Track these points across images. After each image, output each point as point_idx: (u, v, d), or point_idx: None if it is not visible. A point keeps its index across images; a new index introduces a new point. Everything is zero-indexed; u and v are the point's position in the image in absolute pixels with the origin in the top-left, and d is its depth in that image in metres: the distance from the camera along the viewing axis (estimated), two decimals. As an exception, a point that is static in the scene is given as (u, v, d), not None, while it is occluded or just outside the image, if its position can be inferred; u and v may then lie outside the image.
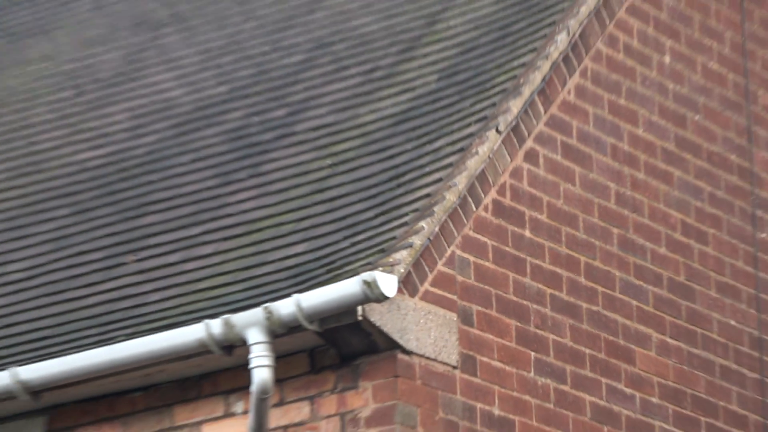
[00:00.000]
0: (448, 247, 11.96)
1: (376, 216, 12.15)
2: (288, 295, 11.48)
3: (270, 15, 14.91)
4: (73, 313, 12.62)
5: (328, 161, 12.93)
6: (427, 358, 11.70)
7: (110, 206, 13.61)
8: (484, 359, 12.08)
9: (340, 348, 11.61)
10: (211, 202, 13.10)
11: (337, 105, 13.45)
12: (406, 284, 11.61)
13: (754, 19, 14.38)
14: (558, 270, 12.65)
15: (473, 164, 12.12)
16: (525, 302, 12.38)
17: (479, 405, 11.98)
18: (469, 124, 12.48)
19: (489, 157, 12.22)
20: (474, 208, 12.16)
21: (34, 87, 15.41)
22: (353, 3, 14.56)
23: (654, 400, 12.95)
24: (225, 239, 12.67)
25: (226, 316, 11.57)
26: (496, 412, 12.07)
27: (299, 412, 11.73)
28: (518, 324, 12.33)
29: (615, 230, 13.02)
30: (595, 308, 12.78)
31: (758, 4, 14.42)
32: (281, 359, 11.56)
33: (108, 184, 13.85)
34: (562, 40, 12.75)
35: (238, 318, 11.51)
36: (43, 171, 14.33)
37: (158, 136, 14.06)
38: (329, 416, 11.64)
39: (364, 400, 11.58)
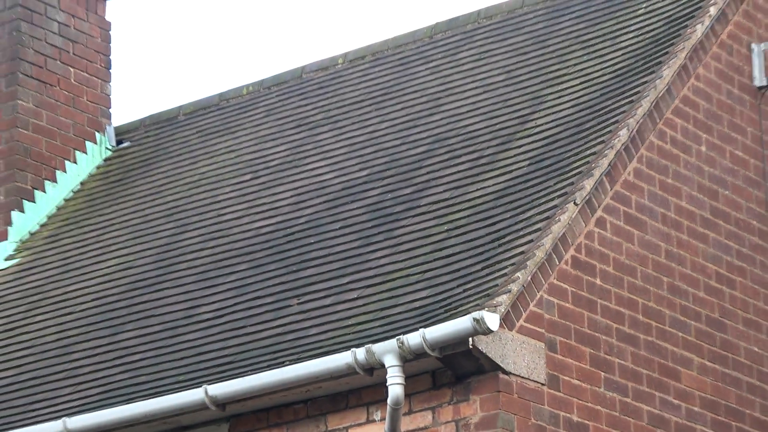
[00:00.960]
0: (538, 292, 11.84)
1: (483, 269, 12.01)
2: (416, 329, 11.40)
3: (399, 117, 14.89)
4: (251, 344, 12.59)
5: (445, 227, 12.79)
6: (522, 377, 11.56)
7: (278, 262, 13.58)
8: (566, 378, 11.94)
9: (455, 369, 11.46)
10: (355, 259, 13.04)
11: (451, 184, 13.37)
12: (506, 321, 11.47)
13: (768, 117, 14.32)
14: (621, 309, 12.51)
15: (556, 229, 12.02)
16: (597, 334, 12.25)
17: (562, 413, 11.83)
18: (552, 199, 12.37)
19: (568, 223, 12.12)
20: (557, 262, 12.03)
21: (221, 173, 15.42)
22: (463, 107, 14.47)
23: (696, 408, 12.76)
24: (366, 287, 12.57)
25: (368, 345, 11.48)
26: (575, 418, 11.93)
27: (423, 419, 11.58)
28: (591, 351, 12.18)
29: (665, 278, 12.90)
30: (650, 338, 12.61)
31: (772, 107, 14.33)
32: (410, 378, 11.46)
33: (277, 245, 13.83)
34: (623, 134, 12.65)
35: (378, 347, 11.42)
36: (227, 236, 14.37)
37: (314, 209, 14.06)
38: (447, 422, 11.50)
39: (473, 409, 11.43)
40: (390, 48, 16.18)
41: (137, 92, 37.12)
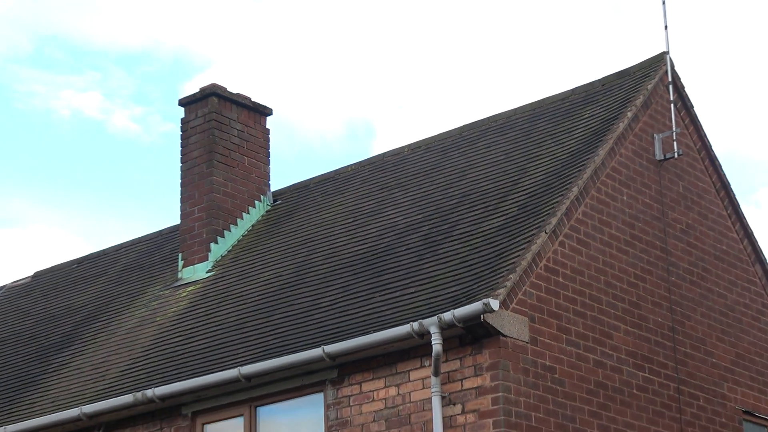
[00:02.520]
0: (523, 286, 11.84)
1: (490, 273, 12.00)
2: (448, 310, 11.43)
3: (438, 184, 14.79)
4: (352, 319, 12.49)
5: (467, 248, 12.80)
6: (514, 338, 11.57)
7: (368, 271, 13.43)
8: (541, 338, 11.91)
9: (473, 334, 11.48)
10: (413, 269, 12.93)
11: (471, 222, 13.35)
12: (504, 304, 11.51)
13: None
14: (575, 296, 12.45)
15: (534, 248, 12.03)
16: (559, 311, 12.19)
17: (539, 360, 11.81)
18: (532, 230, 12.34)
19: (541, 245, 12.13)
20: (535, 268, 12.02)
21: (334, 218, 15.38)
22: (479, 176, 14.44)
23: (623, 356, 12.73)
24: (419, 285, 12.54)
25: (420, 320, 11.51)
26: (548, 363, 11.88)
27: (454, 364, 11.58)
28: (557, 322, 12.13)
29: (602, 277, 12.78)
30: (593, 314, 12.54)
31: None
32: (446, 340, 11.47)
33: (367, 261, 13.72)
34: (575, 190, 12.65)
35: (426, 321, 11.46)
36: (337, 255, 14.22)
37: (389, 239, 13.91)
38: (468, 366, 11.51)
39: (485, 358, 11.45)
40: (435, 141, 16.19)
41: (286, 169, 37.54)
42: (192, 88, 43.21)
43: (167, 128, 42.68)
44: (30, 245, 41.81)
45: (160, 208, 41.47)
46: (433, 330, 11.32)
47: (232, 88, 16.73)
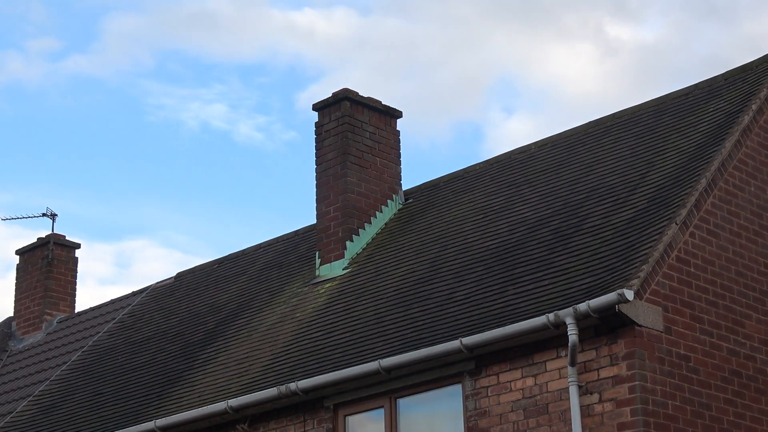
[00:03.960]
0: (656, 277, 11.67)
1: (623, 264, 11.83)
2: (584, 301, 11.32)
3: (566, 180, 14.70)
4: (487, 312, 12.39)
5: (599, 241, 12.66)
6: (648, 327, 11.41)
7: (500, 266, 13.36)
8: (675, 327, 11.72)
9: (608, 324, 11.34)
10: (545, 262, 12.83)
11: (602, 216, 13.21)
12: (638, 294, 11.34)
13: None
14: (707, 286, 12.22)
15: (665, 239, 11.87)
16: (692, 301, 12.00)
17: (674, 349, 11.63)
18: (663, 222, 12.17)
19: (672, 236, 11.96)
20: (667, 259, 11.85)
21: (464, 215, 15.38)
22: (607, 168, 14.28)
23: (756, 344, 12.46)
24: (554, 278, 12.43)
25: (556, 311, 11.41)
26: (682, 352, 11.70)
27: (590, 354, 11.44)
28: (690, 311, 11.94)
29: (732, 267, 12.57)
30: (725, 303, 12.32)
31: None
32: (581, 330, 11.34)
33: (499, 255, 13.66)
34: (703, 182, 12.48)
35: (562, 312, 11.36)
36: (469, 251, 14.21)
37: (520, 234, 13.89)
38: (604, 356, 11.36)
39: (620, 347, 11.30)
40: (561, 139, 16.04)
41: (417, 167, 37.64)
42: (308, 97, 43.48)
43: (290, 136, 42.99)
44: (160, 252, 42.39)
45: (285, 212, 41.79)
46: (569, 321, 11.21)
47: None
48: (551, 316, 11.33)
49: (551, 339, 11.57)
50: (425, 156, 40.74)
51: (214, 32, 42.03)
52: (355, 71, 39.47)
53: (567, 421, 11.32)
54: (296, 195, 42.38)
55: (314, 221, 16.87)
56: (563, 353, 11.49)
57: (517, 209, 14.61)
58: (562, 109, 40.25)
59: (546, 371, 11.60)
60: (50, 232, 21.48)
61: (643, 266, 11.45)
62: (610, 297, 11.06)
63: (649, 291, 11.48)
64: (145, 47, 43.03)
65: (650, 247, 11.76)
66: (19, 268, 21.65)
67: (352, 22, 41.89)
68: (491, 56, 40.60)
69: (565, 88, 40.74)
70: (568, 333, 11.20)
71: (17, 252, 21.75)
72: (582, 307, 11.15)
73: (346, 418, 13.03)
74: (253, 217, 42.99)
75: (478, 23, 40.46)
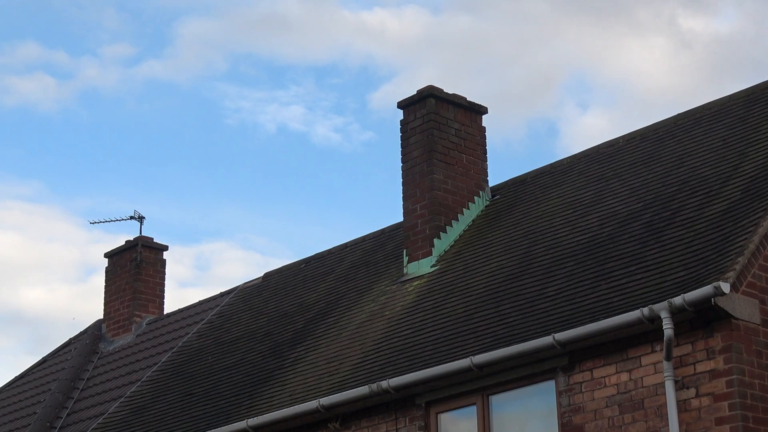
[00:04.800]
0: (752, 269, 11.47)
1: (718, 257, 11.67)
2: (678, 295, 11.18)
3: (657, 171, 14.56)
4: (582, 307, 12.33)
5: (692, 234, 12.51)
6: (745, 320, 11.22)
7: (592, 260, 13.28)
8: (772, 321, 11.55)
9: (704, 318, 11.18)
10: (638, 256, 12.69)
11: (694, 208, 13.03)
12: (734, 287, 11.16)
13: None
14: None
15: (761, 231, 11.68)
16: (790, 294, 11.83)
17: (772, 342, 11.46)
18: (757, 213, 12.00)
19: (768, 227, 11.78)
20: (762, 251, 11.65)
21: (552, 210, 15.32)
22: (699, 164, 14.13)
23: None
24: (646, 271, 12.30)
25: (651, 305, 11.28)
26: (780, 345, 11.52)
27: (686, 348, 11.29)
28: (787, 304, 11.77)
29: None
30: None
31: None
32: (676, 325, 11.19)
33: (590, 250, 13.56)
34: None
35: (656, 306, 11.22)
36: (559, 245, 14.12)
37: (611, 228, 13.79)
38: (700, 350, 11.20)
39: (716, 341, 11.12)
40: (649, 131, 15.90)
41: (492, 164, 37.34)
42: (380, 97, 43.66)
43: (367, 136, 43.07)
44: (239, 254, 42.67)
45: (363, 211, 41.85)
46: (664, 315, 11.08)
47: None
48: (645, 310, 11.20)
49: (646, 333, 11.44)
50: (500, 153, 40.65)
51: (286, 34, 42.30)
52: (427, 70, 39.47)
53: (663, 417, 11.20)
54: (375, 194, 42.46)
55: (397, 220, 16.88)
56: (658, 348, 11.36)
57: (607, 203, 14.49)
58: (637, 103, 39.92)
59: (641, 366, 11.47)
60: (137, 235, 21.73)
61: (739, 258, 11.29)
62: (705, 290, 10.92)
63: (745, 283, 11.30)
64: (217, 50, 43.38)
65: (745, 238, 11.59)
66: (108, 270, 21.91)
67: (424, 20, 41.89)
68: (564, 52, 40.38)
69: (638, 82, 40.40)
70: (663, 327, 11.06)
71: (106, 255, 22.02)
72: (677, 300, 11.01)
73: (439, 415, 13.00)
74: (331, 217, 43.18)
75: (550, 19, 40.26)
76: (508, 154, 40.64)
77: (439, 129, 16.50)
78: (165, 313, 21.37)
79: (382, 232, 18.21)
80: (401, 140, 16.76)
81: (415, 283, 15.62)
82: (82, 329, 22.28)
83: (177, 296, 44.78)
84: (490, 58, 40.53)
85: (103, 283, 21.89)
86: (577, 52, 40.30)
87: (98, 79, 43.51)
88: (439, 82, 16.22)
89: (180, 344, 19.16)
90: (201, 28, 43.28)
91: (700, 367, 11.11)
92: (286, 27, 42.42)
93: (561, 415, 11.94)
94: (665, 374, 11.16)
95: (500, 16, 40.55)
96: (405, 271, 16.10)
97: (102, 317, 21.83)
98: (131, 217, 21.72)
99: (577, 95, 43.08)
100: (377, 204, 42.26)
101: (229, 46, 43.54)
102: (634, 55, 39.13)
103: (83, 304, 41.73)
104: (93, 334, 21.54)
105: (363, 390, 13.27)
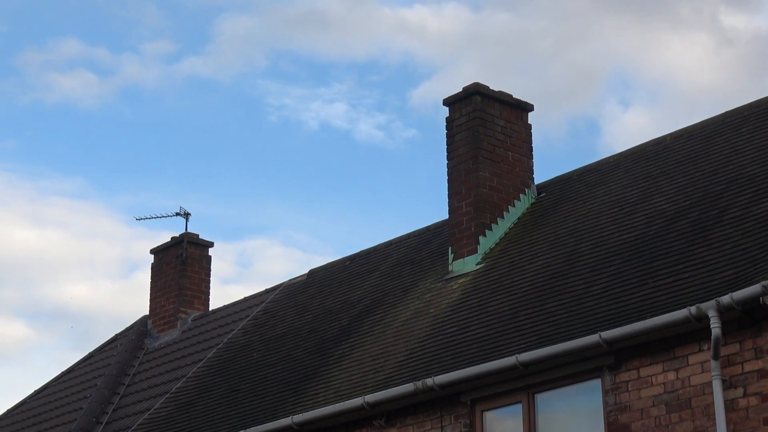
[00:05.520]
0: (801, 268, 11.42)
1: (766, 257, 11.59)
2: (726, 294, 11.11)
3: (704, 169, 14.49)
4: (627, 305, 12.24)
5: (739, 234, 12.43)
6: (794, 320, 11.16)
7: (638, 259, 13.20)
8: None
9: (752, 316, 11.10)
10: (685, 255, 12.63)
11: (742, 207, 12.94)
12: (782, 286, 11.08)
13: None
14: None
15: (811, 230, 11.61)
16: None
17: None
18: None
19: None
20: (812, 250, 11.59)
21: (598, 208, 15.27)
22: (747, 164, 14.03)
23: None
24: (693, 271, 12.22)
25: (698, 304, 11.22)
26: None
27: (734, 348, 11.21)
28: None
29: None
30: None
31: None
32: (724, 324, 11.12)
33: (636, 248, 13.49)
34: None
35: (704, 305, 11.16)
36: (606, 244, 14.06)
37: (657, 226, 13.71)
38: (748, 349, 11.12)
39: (765, 340, 11.03)
40: (696, 129, 15.82)
41: (544, 163, 37.38)
42: (421, 95, 43.72)
43: (409, 134, 43.11)
44: (280, 251, 42.83)
45: (405, 209, 41.89)
46: (712, 314, 11.03)
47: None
48: (693, 309, 11.15)
49: (693, 332, 11.38)
50: (540, 151, 40.62)
51: (326, 31, 42.42)
52: (467, 68, 39.48)
53: (710, 416, 11.15)
54: (418, 192, 42.46)
55: (441, 217, 16.91)
56: (705, 347, 11.31)
57: (653, 201, 14.45)
58: (679, 101, 39.72)
59: (688, 365, 11.42)
60: (179, 232, 21.87)
61: (786, 258, 11.22)
62: (754, 289, 10.84)
63: (789, 283, 11.22)
64: (257, 48, 43.56)
65: (794, 238, 11.52)
66: (153, 267, 22.06)
67: (464, 17, 41.85)
68: (604, 49, 40.25)
69: (680, 79, 40.19)
70: (711, 326, 11.01)
71: (152, 251, 22.17)
72: (725, 299, 10.95)
73: (484, 413, 13.01)
74: (372, 214, 43.26)
75: (591, 15, 40.15)
76: (549, 153, 40.60)
77: (485, 126, 16.51)
78: (210, 309, 21.48)
79: (427, 229, 18.23)
80: (447, 137, 16.78)
81: (461, 280, 15.63)
82: (127, 325, 22.45)
83: (219, 293, 45.02)
84: (530, 56, 40.48)
85: (145, 280, 22.14)
86: (618, 49, 40.18)
87: (139, 75, 43.82)
88: (480, 80, 16.17)
89: (225, 340, 19.26)
90: (241, 25, 43.49)
91: (748, 367, 11.03)
92: (326, 24, 42.55)
93: (607, 414, 11.90)
94: (713, 373, 11.11)
95: (540, 12, 40.47)
96: (450, 268, 16.11)
97: (147, 313, 21.97)
98: (177, 214, 21.86)
99: (619, 93, 42.94)
100: (420, 201, 42.29)
101: (269, 44, 43.72)
102: (676, 52, 38.96)
103: (126, 300, 42.05)
104: (139, 330, 21.69)
105: (408, 387, 13.29)
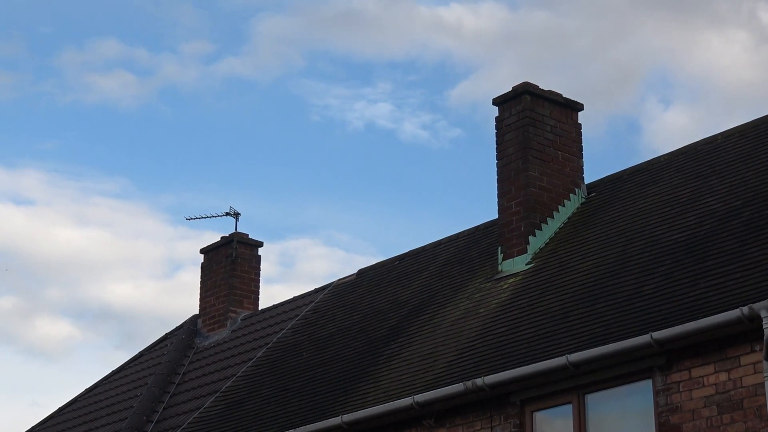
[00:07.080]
0: None
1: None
2: (779, 294, 11.08)
3: (756, 169, 14.40)
4: (678, 305, 12.19)
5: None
6: None
7: (689, 259, 13.13)
8: None
9: (806, 318, 11.06)
10: (736, 256, 12.55)
11: None
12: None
13: None
14: None
15: None
16: None
17: None
18: None
19: None
20: None
21: (649, 208, 15.21)
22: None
23: None
24: (745, 270, 12.13)
25: (750, 304, 11.19)
26: None
27: (787, 348, 11.18)
28: None
29: None
30: None
31: None
32: (777, 324, 11.09)
33: (687, 248, 13.43)
34: None
35: (756, 305, 11.15)
36: (657, 244, 13.98)
37: (709, 227, 13.62)
38: (802, 350, 11.09)
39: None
40: (749, 128, 15.74)
41: (585, 162, 37.16)
42: (459, 94, 43.68)
43: (455, 134, 43.10)
44: (323, 251, 42.96)
45: (450, 209, 41.88)
46: (764, 314, 10.99)
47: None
48: (745, 309, 11.11)
49: (745, 333, 11.34)
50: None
51: (362, 31, 42.49)
52: (505, 67, 39.44)
53: (763, 417, 11.10)
54: (464, 191, 42.44)
55: (489, 217, 16.94)
56: (758, 347, 11.25)
57: (705, 201, 14.39)
58: (720, 99, 39.45)
59: (740, 366, 11.37)
60: (227, 232, 22.01)
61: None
62: (795, 292, 10.82)
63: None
64: (295, 48, 43.70)
65: None
66: (203, 266, 22.21)
67: (501, 16, 41.80)
68: (643, 47, 40.03)
69: (720, 77, 39.91)
70: (763, 326, 10.96)
71: (202, 251, 22.32)
72: (775, 301, 10.92)
73: (534, 414, 13.01)
74: (417, 214, 43.27)
75: (629, 13, 39.93)
76: (589, 151, 40.47)
77: (535, 126, 16.51)
78: (259, 308, 21.60)
79: (477, 229, 18.25)
80: (496, 137, 16.79)
81: (510, 280, 15.64)
82: (170, 325, 22.61)
83: (262, 292, 45.05)
84: (568, 54, 40.35)
85: (188, 279, 22.29)
86: (656, 47, 39.94)
87: (178, 76, 44.10)
88: (518, 79, 16.20)
89: (275, 340, 19.36)
90: (278, 25, 43.64)
91: (801, 368, 11.00)
92: (363, 24, 42.63)
93: (658, 415, 11.88)
94: (765, 374, 11.06)
95: (578, 11, 40.32)
96: (500, 268, 16.13)
97: (196, 313, 22.12)
98: (227, 214, 21.99)
99: (659, 91, 42.71)
100: (465, 201, 42.26)
101: (306, 43, 43.85)
102: (715, 50, 38.70)
103: (169, 300, 42.33)
104: (189, 330, 21.85)
105: (458, 387, 13.32)
